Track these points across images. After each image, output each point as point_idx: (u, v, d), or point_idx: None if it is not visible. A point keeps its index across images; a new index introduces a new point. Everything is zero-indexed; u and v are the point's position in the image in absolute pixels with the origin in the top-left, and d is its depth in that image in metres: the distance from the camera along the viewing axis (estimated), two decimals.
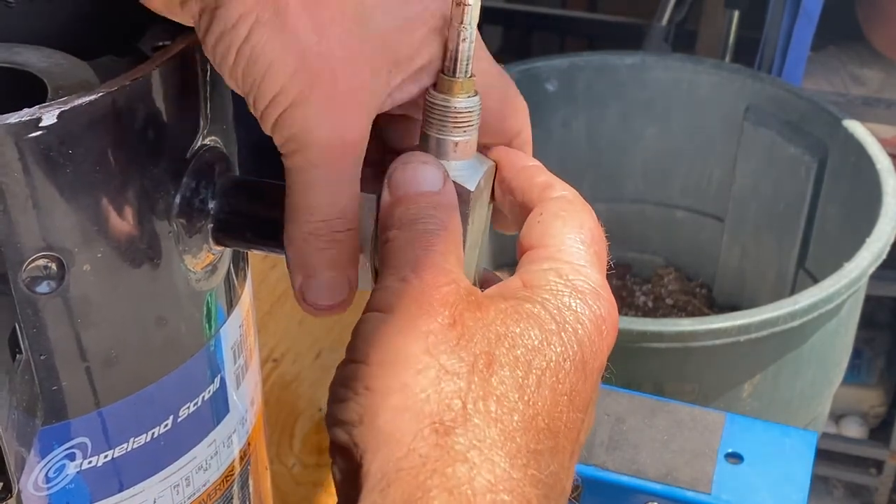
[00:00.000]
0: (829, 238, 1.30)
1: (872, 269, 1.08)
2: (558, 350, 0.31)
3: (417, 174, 0.34)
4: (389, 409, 0.29)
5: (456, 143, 0.35)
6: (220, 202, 0.36)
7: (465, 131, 0.35)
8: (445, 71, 0.34)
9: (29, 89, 0.36)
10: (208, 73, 0.36)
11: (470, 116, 0.35)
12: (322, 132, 0.32)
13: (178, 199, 0.35)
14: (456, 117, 0.34)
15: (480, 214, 0.36)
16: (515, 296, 0.32)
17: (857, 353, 1.52)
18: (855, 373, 1.70)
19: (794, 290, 1.33)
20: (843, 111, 1.29)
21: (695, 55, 1.56)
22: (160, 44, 0.35)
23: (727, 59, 1.55)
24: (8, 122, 0.29)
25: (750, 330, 0.99)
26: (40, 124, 0.30)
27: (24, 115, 0.30)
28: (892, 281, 1.55)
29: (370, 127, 0.34)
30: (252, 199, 0.37)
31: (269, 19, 0.30)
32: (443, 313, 0.31)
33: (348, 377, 0.31)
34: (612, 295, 0.33)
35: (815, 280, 1.21)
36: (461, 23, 0.33)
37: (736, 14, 1.54)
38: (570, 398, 0.31)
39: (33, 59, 0.38)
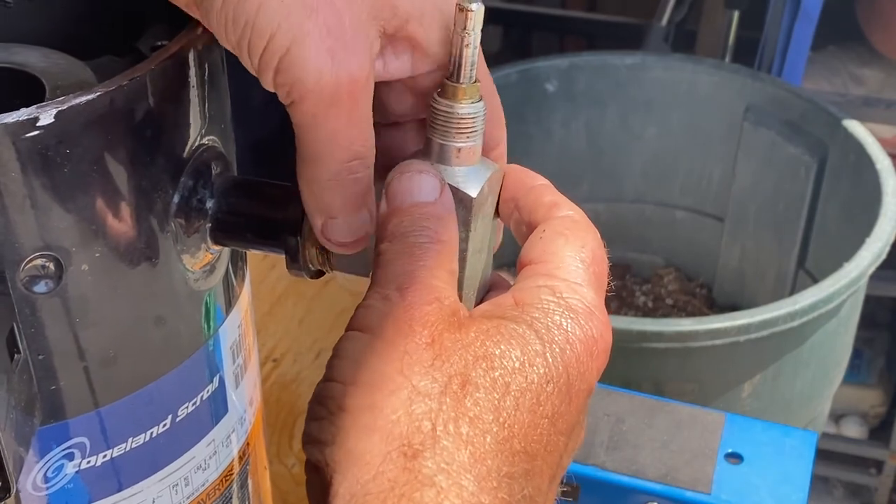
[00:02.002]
0: (828, 238, 1.30)
1: (872, 269, 1.08)
2: (541, 371, 0.30)
3: (413, 184, 0.33)
4: (360, 430, 0.29)
5: (459, 149, 0.35)
6: (219, 202, 0.36)
7: (468, 137, 0.35)
8: (449, 76, 0.34)
9: (27, 89, 0.36)
10: (206, 73, 0.36)
11: (474, 122, 0.34)
12: (328, 72, 0.30)
13: (176, 199, 0.35)
14: (459, 123, 0.34)
15: (485, 220, 0.36)
16: (504, 315, 0.32)
17: (856, 353, 1.52)
18: (855, 373, 1.70)
19: (793, 291, 1.33)
20: (843, 111, 1.29)
21: (694, 55, 1.56)
22: (158, 44, 0.35)
23: (727, 59, 1.55)
24: (5, 121, 0.29)
25: (750, 330, 0.99)
26: (38, 124, 0.30)
27: (22, 114, 0.30)
28: (892, 281, 1.55)
29: (374, 69, 0.32)
30: (250, 199, 0.37)
31: None
32: (421, 333, 0.30)
33: (325, 396, 0.30)
34: (607, 316, 0.33)
35: (815, 280, 1.21)
36: (465, 28, 0.33)
37: (736, 14, 1.54)
38: (551, 421, 0.30)
39: (32, 58, 0.38)
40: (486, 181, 0.35)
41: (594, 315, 0.32)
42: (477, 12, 0.33)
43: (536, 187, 0.36)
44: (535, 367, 0.30)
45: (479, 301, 0.36)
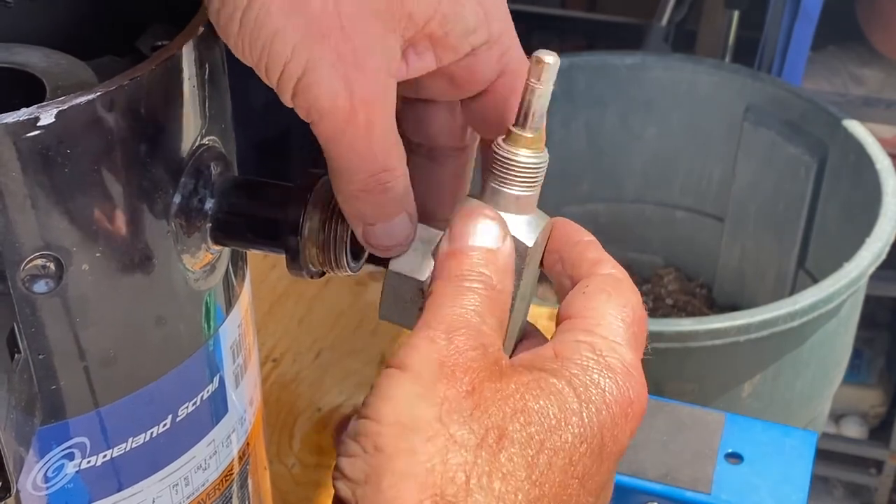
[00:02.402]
0: (828, 238, 1.30)
1: (872, 269, 1.08)
2: (576, 431, 0.30)
3: (477, 228, 0.33)
4: (395, 474, 0.29)
5: (517, 198, 0.34)
6: (219, 202, 0.36)
7: (529, 187, 0.34)
8: (515, 123, 0.34)
9: (28, 89, 0.36)
10: (207, 73, 0.36)
11: (536, 173, 0.34)
12: (342, 96, 0.31)
13: (176, 199, 0.35)
14: (521, 172, 0.34)
15: (533, 269, 0.36)
16: (543, 367, 0.31)
17: (856, 353, 1.52)
18: (855, 373, 1.70)
19: (793, 291, 1.33)
20: (843, 111, 1.30)
21: (695, 55, 1.56)
22: (159, 43, 0.35)
23: (727, 59, 1.55)
24: (6, 121, 0.29)
25: (750, 330, 0.99)
26: (38, 124, 0.30)
27: (22, 114, 0.30)
28: (892, 281, 1.55)
29: (395, 84, 0.33)
30: (251, 199, 0.37)
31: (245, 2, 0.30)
32: (462, 380, 0.30)
33: (360, 433, 0.30)
34: (644, 377, 0.32)
35: (815, 280, 1.21)
36: (539, 79, 0.33)
37: (736, 14, 1.54)
38: (581, 482, 0.30)
39: (32, 59, 0.38)
40: (541, 232, 0.35)
41: (632, 376, 0.32)
42: (553, 65, 0.33)
43: (582, 242, 0.36)
44: (570, 427, 0.30)
45: (514, 348, 0.36)
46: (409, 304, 0.36)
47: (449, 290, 0.32)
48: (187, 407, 0.38)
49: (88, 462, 0.36)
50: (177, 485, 0.39)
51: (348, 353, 0.79)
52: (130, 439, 0.37)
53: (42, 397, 0.34)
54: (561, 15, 1.82)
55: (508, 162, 0.34)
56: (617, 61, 1.40)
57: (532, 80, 0.33)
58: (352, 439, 0.31)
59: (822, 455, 0.79)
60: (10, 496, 0.31)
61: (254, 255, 0.42)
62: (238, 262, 0.41)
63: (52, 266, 0.32)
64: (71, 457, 0.36)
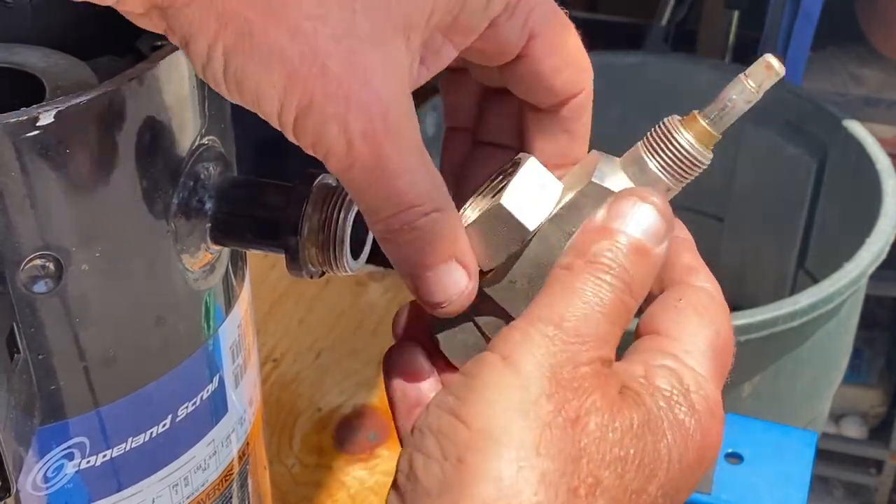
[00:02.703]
0: (829, 238, 1.30)
1: (872, 269, 1.08)
2: (662, 481, 0.28)
3: (644, 219, 0.30)
4: (473, 500, 0.27)
5: (668, 189, 0.32)
6: (218, 202, 0.36)
7: (680, 183, 0.32)
8: (706, 114, 0.32)
9: (27, 89, 0.36)
10: None
11: (696, 172, 0.32)
12: (339, 135, 0.29)
13: (175, 199, 0.35)
14: (686, 165, 0.32)
15: None
16: (638, 389, 0.29)
17: (857, 353, 1.52)
18: (855, 373, 1.70)
19: (794, 291, 1.33)
20: (843, 111, 1.29)
21: (695, 55, 1.56)
22: (158, 44, 0.35)
23: (727, 59, 1.55)
24: (5, 121, 0.29)
25: (750, 330, 0.99)
26: (37, 124, 0.30)
27: (22, 114, 0.30)
28: (892, 281, 1.55)
29: (406, 99, 0.29)
30: (250, 199, 0.37)
31: (236, 42, 0.27)
32: (570, 402, 0.27)
33: (444, 432, 0.28)
34: (723, 414, 0.30)
35: (815, 280, 1.21)
36: (758, 87, 0.32)
37: (736, 14, 1.54)
38: None
39: (32, 58, 0.38)
40: None
41: (714, 417, 0.30)
42: (778, 71, 0.31)
43: (677, 238, 0.33)
44: (657, 477, 0.28)
45: None
46: (503, 247, 0.32)
47: (584, 278, 0.29)
48: (187, 407, 0.38)
49: (88, 462, 0.36)
50: (176, 485, 0.39)
51: (348, 353, 0.79)
52: (130, 439, 0.37)
53: (42, 397, 0.34)
54: None
55: (679, 148, 0.32)
56: (617, 61, 1.39)
57: (750, 82, 0.31)
58: (432, 435, 0.28)
59: (822, 455, 0.79)
60: (9, 496, 0.31)
61: (254, 255, 0.42)
62: (238, 262, 0.41)
63: (51, 266, 0.32)
64: (70, 457, 0.36)
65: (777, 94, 1.50)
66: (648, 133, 0.32)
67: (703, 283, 0.32)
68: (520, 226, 0.31)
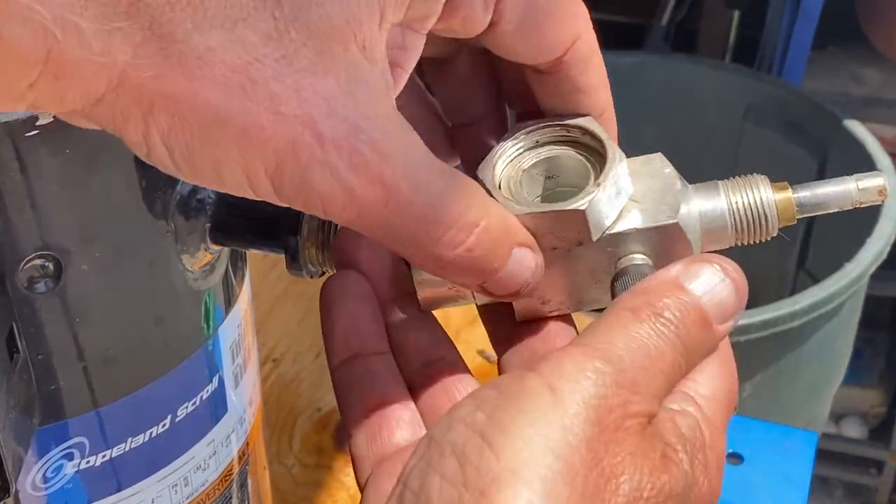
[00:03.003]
0: (829, 238, 1.30)
1: (873, 269, 1.08)
2: None
3: (723, 294, 0.29)
4: None
5: (720, 240, 0.31)
6: (218, 202, 0.36)
7: (737, 237, 0.32)
8: (797, 192, 0.31)
9: None
10: None
11: (756, 234, 0.32)
12: (328, 183, 0.26)
13: (175, 199, 0.35)
14: (756, 222, 0.31)
15: None
16: (673, 460, 0.27)
17: (857, 354, 1.52)
18: (855, 373, 1.70)
19: (794, 291, 1.33)
20: (844, 111, 1.30)
21: (695, 55, 1.56)
22: None
23: (727, 59, 1.55)
24: (5, 121, 0.29)
25: (750, 330, 0.99)
26: (37, 123, 0.30)
27: (21, 114, 0.30)
28: (893, 281, 1.55)
29: (388, 112, 0.27)
30: (250, 199, 0.37)
31: (170, 123, 0.25)
32: (608, 459, 0.25)
33: (468, 457, 0.25)
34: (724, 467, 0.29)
35: (816, 280, 1.21)
36: (859, 202, 0.31)
37: (736, 14, 1.54)
38: None
39: None
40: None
41: (720, 473, 0.28)
42: (885, 199, 0.31)
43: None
44: None
45: None
46: (551, 241, 0.30)
47: (649, 327, 0.27)
48: (186, 407, 0.38)
49: (87, 462, 0.36)
50: (176, 485, 0.39)
51: None
52: (129, 439, 0.37)
53: (41, 397, 0.34)
54: None
55: (759, 206, 0.31)
56: (617, 61, 1.39)
57: (857, 194, 0.31)
58: (455, 457, 0.25)
59: (822, 455, 0.79)
60: (9, 496, 0.31)
61: (253, 256, 0.42)
62: (237, 262, 0.41)
63: (51, 266, 0.32)
64: (70, 457, 0.36)
65: (778, 94, 1.50)
66: (734, 177, 0.32)
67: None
68: (586, 234, 0.30)
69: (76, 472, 0.36)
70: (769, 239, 0.32)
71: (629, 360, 0.26)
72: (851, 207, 0.31)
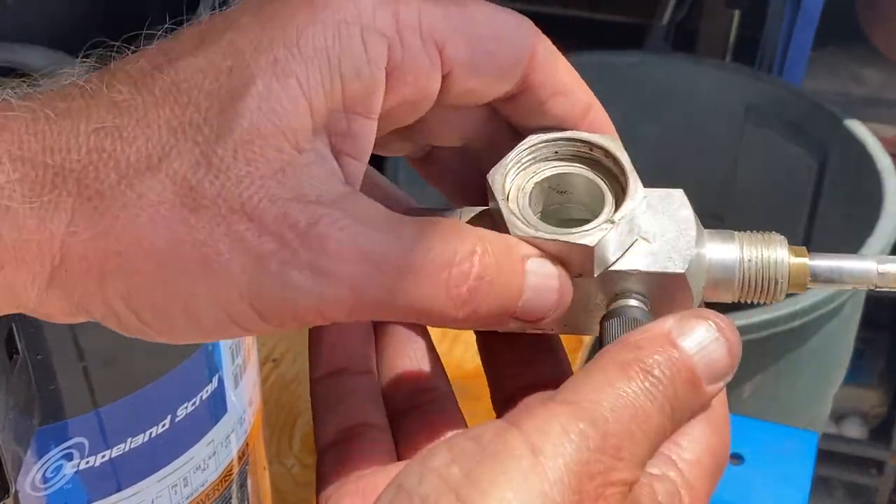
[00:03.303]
0: (830, 238, 1.30)
1: None
2: None
3: (716, 353, 0.27)
4: None
5: (727, 291, 0.30)
6: None
7: (743, 292, 0.30)
8: (815, 261, 0.30)
9: None
10: None
11: (762, 294, 0.30)
12: (311, 290, 0.25)
13: None
14: (765, 279, 0.30)
15: None
16: None
17: (857, 354, 1.52)
18: (855, 373, 1.70)
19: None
20: (844, 111, 1.29)
21: (695, 55, 1.56)
22: None
23: (728, 58, 1.55)
24: None
25: (750, 330, 0.99)
26: None
27: None
28: None
29: (339, 201, 0.26)
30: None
31: (128, 286, 0.25)
32: None
33: (455, 494, 0.24)
34: None
35: None
36: (875, 285, 0.30)
37: (736, 14, 1.54)
38: None
39: (31, 58, 0.38)
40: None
41: None
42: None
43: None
44: None
45: None
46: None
47: (636, 386, 0.26)
48: (186, 407, 0.38)
49: (87, 462, 0.36)
50: (176, 485, 0.39)
51: None
52: (129, 440, 0.37)
53: (41, 398, 0.34)
54: (561, 15, 1.82)
55: (771, 265, 0.30)
56: (617, 61, 1.39)
57: (877, 278, 0.30)
58: (440, 491, 0.24)
59: (822, 455, 0.79)
60: (8, 497, 0.31)
61: None
62: None
63: None
64: (70, 457, 0.36)
65: (778, 93, 1.50)
66: (753, 231, 0.31)
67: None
68: (588, 268, 0.29)
69: (76, 472, 0.36)
70: (770, 303, 0.31)
71: (614, 423, 0.25)
72: (866, 289, 0.30)
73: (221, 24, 0.27)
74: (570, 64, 0.32)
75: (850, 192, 1.26)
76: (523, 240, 0.28)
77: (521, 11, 0.32)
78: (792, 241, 0.31)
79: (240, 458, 0.43)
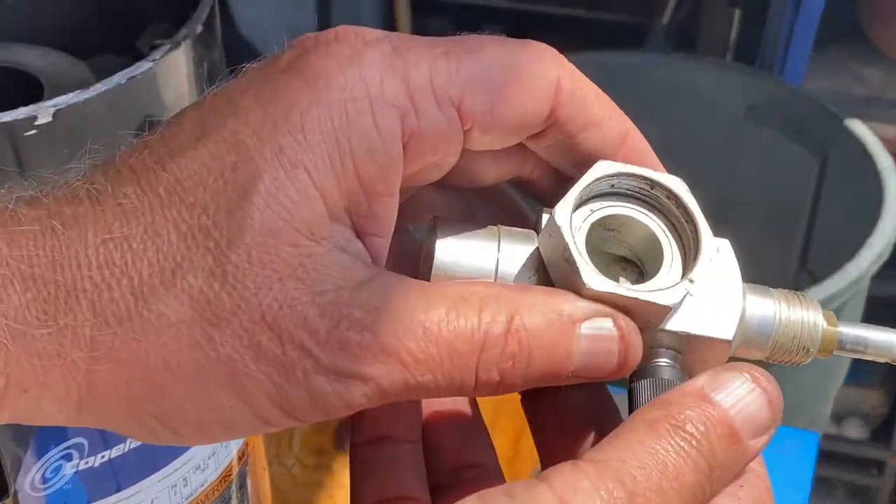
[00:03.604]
0: (830, 238, 1.30)
1: (874, 269, 1.07)
2: None
3: (754, 405, 0.27)
4: None
5: (760, 348, 0.29)
6: None
7: (776, 350, 0.30)
8: (843, 329, 0.30)
9: (26, 88, 0.36)
10: (205, 72, 0.36)
11: (789, 354, 0.30)
12: (316, 407, 0.25)
13: None
14: (798, 338, 0.30)
15: None
16: None
17: None
18: (856, 373, 1.69)
19: (795, 290, 1.33)
20: (845, 110, 1.29)
21: (696, 54, 1.56)
22: (157, 43, 0.35)
23: (728, 58, 1.54)
24: (4, 120, 0.29)
25: None
26: (36, 123, 0.30)
27: (20, 113, 0.30)
28: (895, 281, 1.55)
29: (365, 285, 0.25)
30: None
31: (156, 404, 0.24)
32: None
33: None
34: None
35: (817, 280, 1.21)
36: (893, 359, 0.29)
37: (737, 13, 1.54)
38: None
39: (30, 58, 0.38)
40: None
41: None
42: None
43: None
44: None
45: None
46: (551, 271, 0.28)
47: (667, 443, 0.25)
48: None
49: (87, 463, 0.36)
50: (175, 485, 0.39)
51: None
52: (129, 440, 0.37)
53: None
54: (561, 14, 1.82)
55: (805, 325, 0.29)
56: (617, 60, 1.39)
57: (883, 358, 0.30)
58: None
59: (823, 456, 0.79)
60: (8, 497, 0.31)
61: None
62: None
63: None
64: (69, 458, 0.35)
65: (778, 93, 1.50)
66: (791, 291, 0.30)
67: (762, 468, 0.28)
68: (654, 323, 0.28)
69: (75, 472, 0.36)
70: (797, 365, 0.30)
71: (643, 481, 0.24)
72: (883, 361, 0.30)
73: (223, 107, 0.25)
74: (598, 90, 0.30)
75: (851, 192, 1.26)
76: (591, 295, 0.27)
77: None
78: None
79: (239, 459, 0.43)
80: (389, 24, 1.63)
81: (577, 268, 0.27)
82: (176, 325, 0.23)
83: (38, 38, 0.39)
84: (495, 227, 0.28)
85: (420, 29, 1.66)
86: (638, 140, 0.31)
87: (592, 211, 0.29)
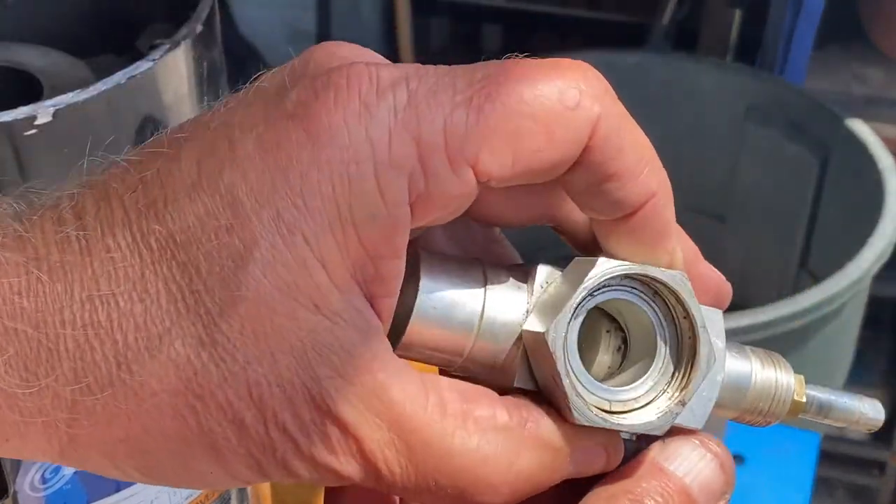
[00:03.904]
0: (831, 238, 1.30)
1: (875, 269, 1.07)
2: None
3: (706, 471, 0.26)
4: None
5: (737, 408, 0.29)
6: None
7: (750, 410, 0.29)
8: (812, 393, 0.30)
9: (26, 88, 0.36)
10: (205, 72, 0.36)
11: (761, 416, 0.30)
12: (290, 478, 0.25)
13: None
14: (771, 400, 0.29)
15: None
16: None
17: (859, 355, 1.52)
18: (857, 374, 1.70)
19: (796, 291, 1.33)
20: (846, 110, 1.29)
21: (696, 54, 1.56)
22: (156, 42, 0.35)
23: (729, 58, 1.54)
24: (4, 120, 0.29)
25: (751, 330, 0.99)
26: (35, 122, 0.30)
27: (20, 113, 0.30)
28: (895, 281, 1.55)
29: (363, 368, 0.24)
30: None
31: (139, 460, 0.24)
32: None
33: None
34: None
35: (817, 280, 1.21)
36: (854, 424, 0.30)
37: (738, 13, 1.54)
38: None
39: (30, 57, 0.37)
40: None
41: None
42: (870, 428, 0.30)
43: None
44: None
45: None
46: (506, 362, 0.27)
47: None
48: None
49: None
50: None
51: None
52: None
53: None
54: (561, 14, 1.82)
55: (778, 387, 0.29)
56: (618, 60, 1.39)
57: (858, 418, 0.30)
58: None
59: (824, 456, 0.79)
60: (7, 497, 0.31)
61: None
62: None
63: None
64: None
65: (779, 93, 1.49)
66: (766, 351, 0.30)
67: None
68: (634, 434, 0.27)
69: (75, 472, 0.36)
70: (765, 425, 0.30)
71: None
72: (843, 426, 0.30)
73: (222, 146, 0.24)
74: (640, 137, 0.28)
75: (852, 192, 1.26)
76: (578, 423, 0.26)
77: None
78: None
79: None
80: (389, 24, 1.63)
81: (565, 394, 0.26)
82: (159, 394, 0.23)
83: (38, 38, 0.39)
84: (482, 272, 0.27)
85: (420, 29, 1.66)
86: (660, 207, 0.28)
87: (592, 295, 0.27)
